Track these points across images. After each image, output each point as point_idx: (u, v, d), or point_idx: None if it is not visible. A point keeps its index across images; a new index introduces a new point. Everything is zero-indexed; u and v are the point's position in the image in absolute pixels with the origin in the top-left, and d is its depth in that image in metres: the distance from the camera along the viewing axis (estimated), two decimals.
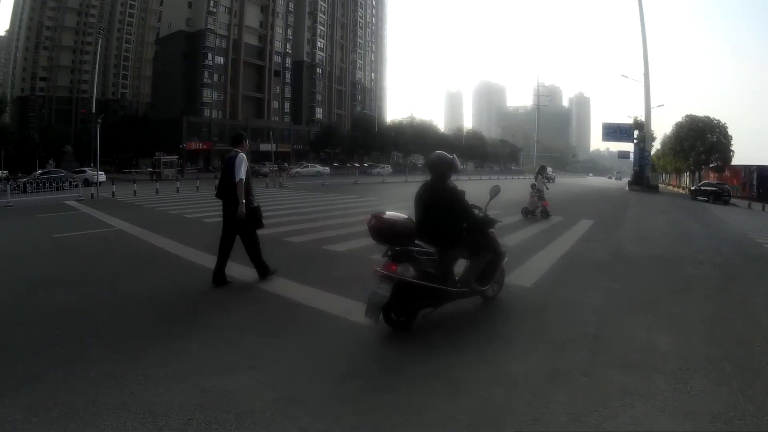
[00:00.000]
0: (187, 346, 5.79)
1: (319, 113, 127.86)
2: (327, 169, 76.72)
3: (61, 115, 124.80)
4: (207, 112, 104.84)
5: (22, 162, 77.34)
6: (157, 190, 32.99)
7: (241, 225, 8.72)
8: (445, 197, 6.95)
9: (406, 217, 6.74)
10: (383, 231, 6.51)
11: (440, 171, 7.03)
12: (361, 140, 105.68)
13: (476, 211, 7.60)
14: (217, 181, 9.24)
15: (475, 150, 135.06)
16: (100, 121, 31.91)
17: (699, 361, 5.95)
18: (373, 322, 6.18)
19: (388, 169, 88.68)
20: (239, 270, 9.40)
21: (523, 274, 10.05)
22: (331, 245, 12.64)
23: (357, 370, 5.34)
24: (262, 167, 68.63)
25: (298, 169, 75.07)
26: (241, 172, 8.53)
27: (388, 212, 6.74)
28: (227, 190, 8.65)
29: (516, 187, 50.01)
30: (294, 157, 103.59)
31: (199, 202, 25.45)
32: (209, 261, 9.78)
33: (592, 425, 4.37)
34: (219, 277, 8.62)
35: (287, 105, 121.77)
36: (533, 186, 20.96)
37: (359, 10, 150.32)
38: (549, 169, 22.13)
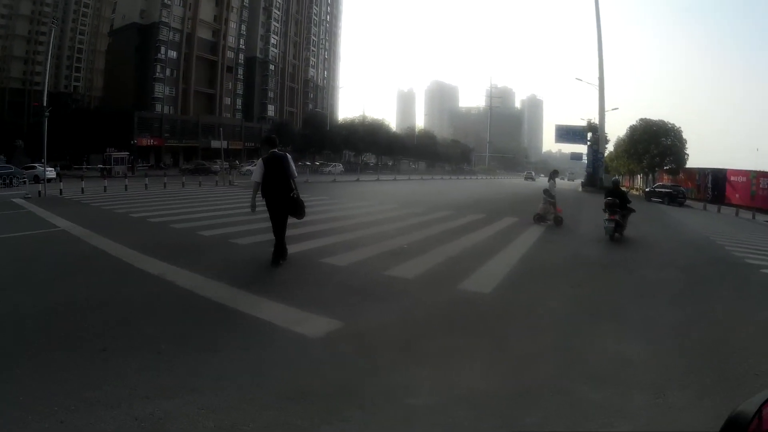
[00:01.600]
0: (122, 364, 5.27)
1: (270, 110, 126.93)
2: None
3: (14, 108, 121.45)
4: (158, 107, 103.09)
5: None
6: (105, 187, 31.96)
7: (286, 211, 10.19)
8: (622, 193, 18.50)
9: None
10: (613, 204, 17.03)
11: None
12: (313, 138, 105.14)
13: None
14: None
15: (426, 150, 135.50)
16: (47, 114, 30.98)
17: (674, 372, 5.78)
18: (609, 238, 16.50)
19: (340, 167, 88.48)
20: (186, 276, 9.04)
21: (481, 279, 9.83)
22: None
23: (304, 390, 4.83)
24: (212, 165, 68.08)
25: (249, 167, 74.28)
26: (292, 169, 10.16)
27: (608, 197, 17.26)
28: (276, 185, 9.98)
29: (466, 188, 50.30)
30: (245, 155, 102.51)
31: (146, 200, 24.81)
32: (149, 265, 9.61)
33: None
34: (280, 254, 10.36)
35: (239, 101, 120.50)
36: (546, 191, 20.30)
37: (314, 6, 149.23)
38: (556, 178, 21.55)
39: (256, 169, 10.25)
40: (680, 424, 4.58)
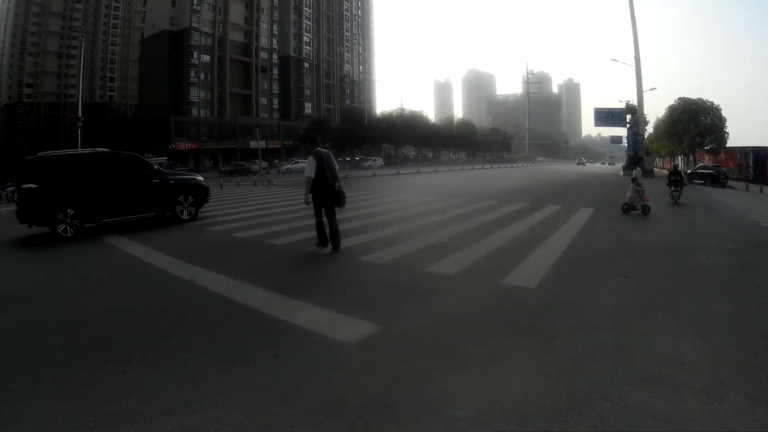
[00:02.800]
0: (146, 376, 5.06)
1: (308, 108, 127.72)
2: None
3: (50, 121, 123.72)
4: (194, 112, 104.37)
5: (11, 171, 76.36)
6: None
7: (329, 202, 11.58)
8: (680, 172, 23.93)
9: None
10: (677, 180, 23.10)
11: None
12: (351, 133, 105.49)
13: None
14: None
15: (466, 139, 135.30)
16: (80, 125, 31.21)
17: (730, 370, 5.36)
18: (674, 202, 22.17)
19: (380, 161, 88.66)
20: (213, 279, 8.85)
21: (526, 273, 9.46)
22: (317, 246, 11.94)
23: (336, 403, 4.53)
24: (251, 165, 68.36)
25: (289, 166, 74.40)
26: (335, 165, 11.64)
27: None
28: (324, 179, 11.38)
29: (507, 176, 49.89)
30: (284, 154, 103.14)
31: None
32: (182, 269, 9.56)
33: None
34: (323, 239, 11.72)
35: (275, 101, 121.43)
36: (634, 180, 20.02)
37: (345, 2, 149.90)
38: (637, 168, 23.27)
39: (308, 165, 11.61)
40: (732, 430, 4.27)
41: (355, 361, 5.51)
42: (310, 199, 11.67)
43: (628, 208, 19.18)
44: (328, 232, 11.70)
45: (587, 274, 9.76)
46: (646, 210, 19.04)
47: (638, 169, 20.29)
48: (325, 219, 11.74)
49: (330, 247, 11.56)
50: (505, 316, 7.21)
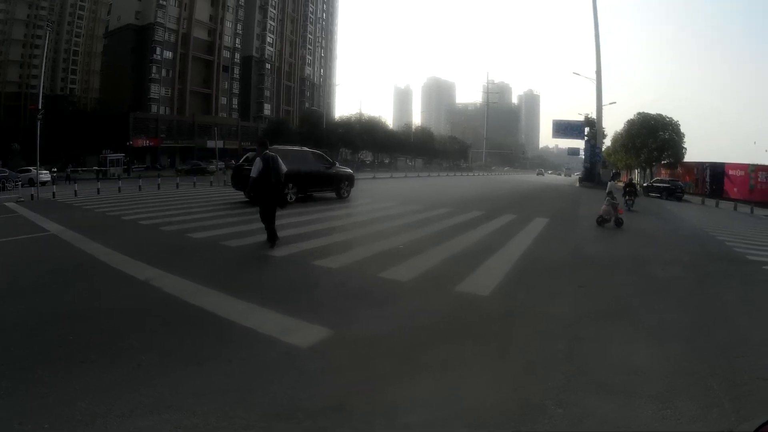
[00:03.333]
0: (101, 377, 5.00)
1: (267, 109, 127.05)
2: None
3: (11, 111, 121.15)
4: (154, 108, 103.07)
5: None
6: (98, 190, 31.49)
7: (275, 202, 12.40)
8: (633, 184, 29.11)
9: None
10: (632, 191, 28.17)
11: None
12: (310, 137, 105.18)
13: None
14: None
15: (423, 146, 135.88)
16: (40, 117, 30.69)
17: (683, 379, 5.55)
18: (628, 209, 23.57)
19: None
20: (168, 280, 8.77)
21: (480, 281, 9.54)
22: (270, 249, 11.96)
23: (291, 407, 4.55)
24: (208, 165, 67.92)
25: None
26: (281, 167, 12.34)
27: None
28: (269, 181, 12.08)
29: (463, 185, 50.21)
30: (241, 154, 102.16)
31: (139, 203, 24.30)
32: (137, 270, 9.39)
33: None
34: (272, 238, 12.30)
35: (235, 101, 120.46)
36: (609, 194, 20.27)
37: (310, 5, 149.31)
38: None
39: (254, 166, 12.20)
40: None
41: (310, 365, 5.51)
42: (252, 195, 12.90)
43: (602, 221, 19.53)
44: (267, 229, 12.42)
45: (541, 283, 9.95)
46: (619, 222, 19.48)
47: (612, 182, 21.01)
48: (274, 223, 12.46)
49: (277, 242, 12.37)
50: (459, 322, 7.29)
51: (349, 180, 27.72)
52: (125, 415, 4.28)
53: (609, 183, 21.53)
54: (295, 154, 24.16)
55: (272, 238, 12.33)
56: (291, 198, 21.83)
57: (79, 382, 4.89)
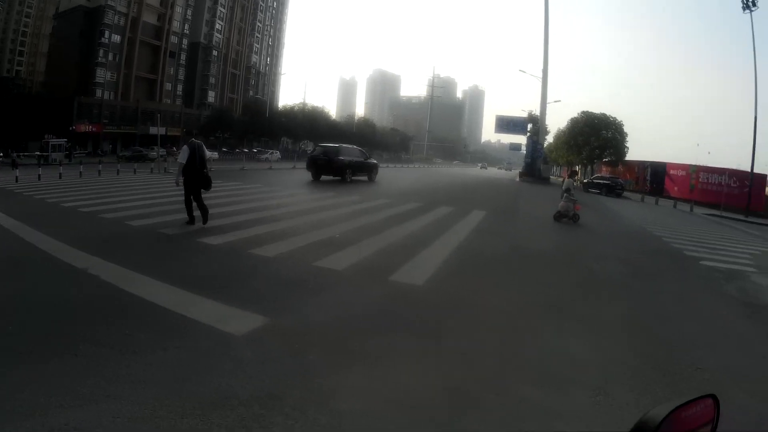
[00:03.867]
0: (38, 369, 4.93)
1: (211, 97, 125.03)
2: (215, 154, 74.33)
3: None
4: (99, 93, 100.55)
5: None
6: (39, 176, 30.26)
7: (197, 185, 13.55)
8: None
9: None
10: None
11: None
12: (252, 125, 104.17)
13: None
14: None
15: (365, 138, 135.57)
16: None
17: (617, 368, 5.75)
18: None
19: (277, 155, 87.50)
20: (105, 268, 8.66)
21: (414, 271, 9.69)
22: (208, 237, 11.94)
23: (226, 395, 4.59)
24: (149, 151, 66.89)
25: None
26: (206, 154, 14.32)
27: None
28: (195, 166, 13.53)
29: (403, 176, 50.28)
30: (184, 141, 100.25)
31: (79, 189, 23.64)
32: (75, 258, 9.29)
33: None
34: (191, 217, 13.59)
35: (180, 87, 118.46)
36: (568, 191, 20.77)
37: None
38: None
39: (182, 153, 13.63)
40: (621, 424, 4.48)
41: (245, 354, 5.56)
42: (181, 182, 13.66)
43: (560, 216, 20.28)
44: (196, 212, 13.69)
45: (476, 275, 10.20)
46: (576, 218, 20.24)
47: (569, 180, 21.36)
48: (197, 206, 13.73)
49: (198, 224, 13.44)
50: (392, 312, 7.40)
51: (376, 169, 38.24)
52: (64, 406, 4.25)
53: (567, 180, 21.89)
54: (350, 149, 35.52)
55: (205, 215, 13.64)
56: (349, 179, 32.78)
57: (18, 374, 4.84)
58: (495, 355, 5.93)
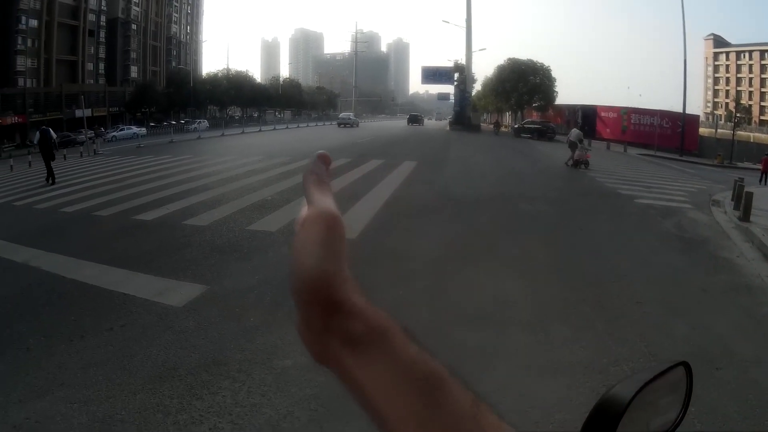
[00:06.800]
0: None
1: (134, 72, 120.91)
2: (143, 130, 72.15)
3: None
4: (21, 82, 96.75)
5: None
6: None
7: (50, 158, 19.81)
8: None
9: None
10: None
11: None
12: (177, 97, 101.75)
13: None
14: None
15: (292, 99, 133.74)
16: None
17: (554, 306, 5.85)
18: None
19: (205, 124, 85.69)
20: (45, 258, 8.52)
21: (347, 225, 9.77)
22: (142, 214, 11.79)
23: (172, 366, 4.70)
24: (78, 135, 65.09)
25: (114, 133, 70.31)
26: (52, 135, 21.27)
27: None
28: (46, 144, 20.12)
29: (331, 134, 49.99)
30: (110, 121, 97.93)
31: (9, 183, 22.25)
32: (14, 252, 9.14)
33: None
34: (51, 178, 19.41)
35: (102, 66, 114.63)
36: (581, 141, 23.66)
37: None
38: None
39: (36, 136, 21.15)
40: (563, 359, 4.66)
41: (187, 323, 5.66)
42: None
43: (576, 164, 22.38)
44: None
45: (408, 225, 10.31)
46: (587, 164, 22.59)
47: (577, 131, 22.88)
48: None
49: (50, 182, 19.07)
50: None
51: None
52: (23, 401, 4.28)
53: (574, 133, 23.39)
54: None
55: (51, 178, 19.33)
56: None
57: None
58: (430, 301, 6.08)
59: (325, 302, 0.47)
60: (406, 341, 0.47)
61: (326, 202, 0.53)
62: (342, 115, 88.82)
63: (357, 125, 71.05)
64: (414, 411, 0.42)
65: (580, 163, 22.63)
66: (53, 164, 19.94)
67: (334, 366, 0.49)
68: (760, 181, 26.88)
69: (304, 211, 0.54)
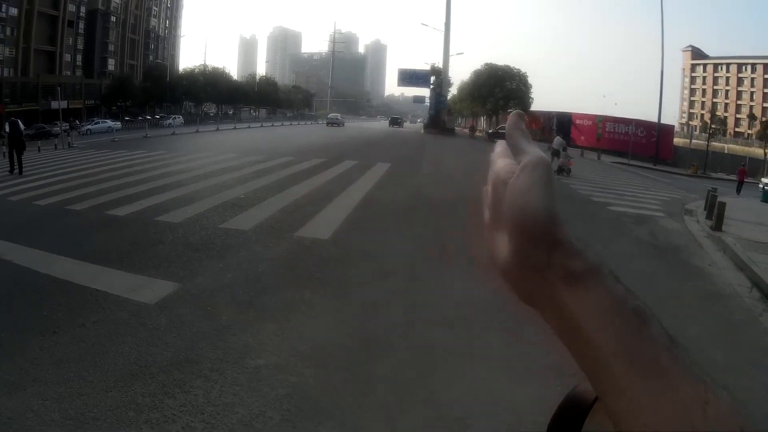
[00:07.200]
0: None
1: (111, 65, 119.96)
2: (118, 124, 70.68)
3: None
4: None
5: None
6: None
7: (20, 149, 20.12)
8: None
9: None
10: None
11: None
12: (153, 91, 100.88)
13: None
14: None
15: (268, 97, 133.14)
16: None
17: (526, 310, 5.81)
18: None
19: (180, 120, 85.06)
20: (18, 252, 8.42)
21: (319, 226, 9.83)
22: (115, 209, 11.70)
23: (145, 364, 4.67)
24: (53, 128, 64.25)
25: (89, 126, 69.19)
26: (20, 127, 20.94)
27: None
28: (16, 135, 20.21)
29: (306, 133, 49.84)
30: (86, 114, 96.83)
31: None
32: None
33: (425, 400, 4.14)
34: (12, 168, 19.88)
35: (79, 58, 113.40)
36: (564, 149, 25.47)
37: None
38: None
39: (9, 126, 20.59)
40: (535, 362, 4.66)
41: (159, 321, 5.64)
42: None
43: (559, 170, 23.26)
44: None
45: (381, 225, 10.37)
46: (569, 171, 23.73)
47: (560, 139, 24.06)
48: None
49: (16, 173, 19.45)
50: (299, 267, 7.56)
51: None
52: None
53: (557, 140, 26.23)
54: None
55: (20, 169, 19.76)
56: None
57: None
58: (402, 303, 6.12)
59: (552, 240, 0.50)
60: (615, 280, 0.52)
61: (539, 150, 0.55)
62: (330, 115, 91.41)
63: (343, 125, 74.35)
64: (625, 341, 0.47)
65: (562, 171, 23.48)
66: (23, 156, 20.37)
67: (543, 303, 0.54)
68: (737, 191, 27.45)
69: (511, 159, 0.60)
